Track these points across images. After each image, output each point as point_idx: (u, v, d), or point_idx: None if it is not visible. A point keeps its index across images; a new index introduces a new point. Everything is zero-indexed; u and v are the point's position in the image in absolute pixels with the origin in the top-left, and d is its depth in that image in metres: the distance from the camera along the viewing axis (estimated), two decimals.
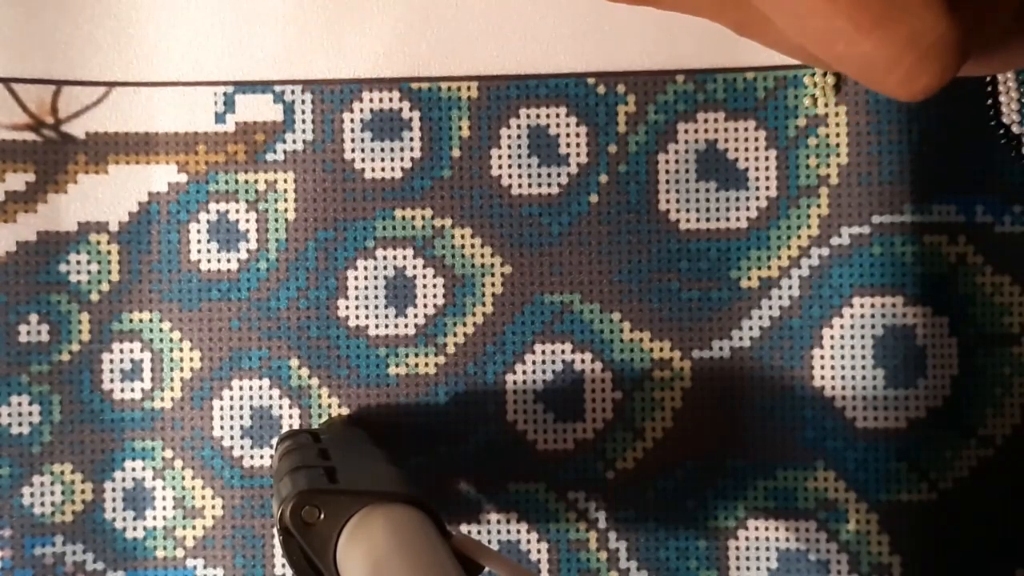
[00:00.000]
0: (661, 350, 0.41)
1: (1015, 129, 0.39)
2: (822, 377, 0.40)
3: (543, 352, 0.41)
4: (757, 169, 0.40)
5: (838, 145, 0.39)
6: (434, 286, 0.41)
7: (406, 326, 0.41)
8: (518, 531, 0.41)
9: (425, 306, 0.41)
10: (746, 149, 0.40)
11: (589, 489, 0.41)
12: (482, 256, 0.41)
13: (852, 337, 0.39)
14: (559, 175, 0.41)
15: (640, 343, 0.40)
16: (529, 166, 0.41)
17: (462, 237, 0.41)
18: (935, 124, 0.39)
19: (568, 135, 0.41)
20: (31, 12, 0.40)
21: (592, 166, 0.40)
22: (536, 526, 0.41)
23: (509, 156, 0.41)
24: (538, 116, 0.41)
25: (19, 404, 0.40)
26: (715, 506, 0.40)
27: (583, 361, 0.41)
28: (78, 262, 0.41)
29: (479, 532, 0.41)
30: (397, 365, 0.41)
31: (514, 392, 0.41)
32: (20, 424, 0.41)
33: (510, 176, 0.41)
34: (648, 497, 0.41)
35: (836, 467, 0.39)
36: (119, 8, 0.40)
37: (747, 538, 0.40)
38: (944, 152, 0.39)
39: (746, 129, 0.40)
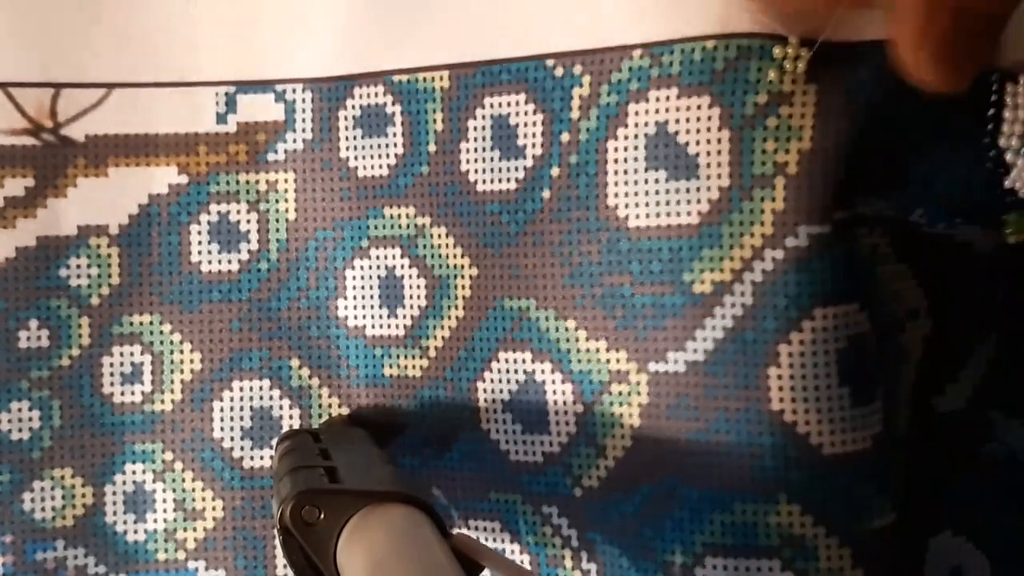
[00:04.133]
0: (618, 361, 0.36)
1: (1008, 157, 0.32)
2: (781, 400, 0.33)
3: (506, 360, 0.38)
4: (708, 154, 0.34)
5: (801, 128, 0.32)
6: (418, 287, 0.40)
7: (397, 327, 0.40)
8: (502, 540, 0.39)
9: (411, 307, 0.40)
10: (698, 131, 0.34)
11: (560, 505, 0.38)
12: (454, 256, 0.39)
13: (814, 354, 0.33)
14: (516, 169, 0.37)
15: (597, 353, 0.36)
16: (491, 159, 0.38)
17: (439, 236, 0.39)
18: (922, 120, 0.33)
19: (526, 124, 0.37)
20: (28, 14, 0.40)
21: (546, 157, 0.37)
22: (517, 537, 0.39)
23: (475, 150, 0.38)
24: (500, 105, 0.37)
25: (19, 410, 0.40)
26: (672, 539, 0.35)
27: (543, 371, 0.37)
28: (78, 266, 0.41)
29: None
30: (390, 366, 0.40)
31: (485, 400, 0.39)
32: (20, 430, 0.40)
33: (476, 171, 0.38)
34: (611, 521, 0.37)
35: (801, 500, 0.33)
36: (118, 9, 0.40)
37: None
38: (916, 152, 0.33)
39: (699, 107, 0.34)
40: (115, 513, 0.41)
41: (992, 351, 0.39)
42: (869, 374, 0.34)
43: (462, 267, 0.39)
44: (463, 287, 0.39)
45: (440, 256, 0.39)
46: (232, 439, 0.41)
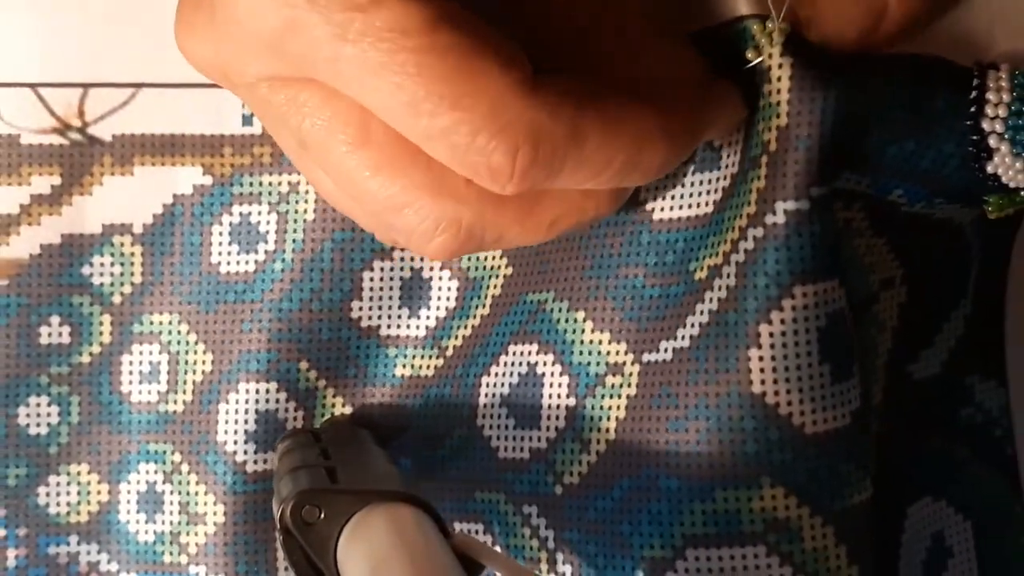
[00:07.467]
0: (617, 353, 0.35)
1: (991, 142, 0.32)
2: (762, 382, 0.32)
3: (515, 353, 0.38)
4: (729, 144, 0.34)
5: (778, 104, 0.32)
6: (448, 288, 0.40)
7: (417, 327, 0.40)
8: (485, 542, 0.38)
9: (437, 308, 0.40)
10: None
11: (540, 504, 0.37)
12: (493, 258, 0.39)
13: (795, 332, 0.32)
14: None
15: (599, 345, 0.36)
16: None
17: None
18: (898, 102, 0.32)
19: None
20: (57, 16, 0.40)
21: None
22: (500, 539, 0.38)
23: None
24: None
25: (38, 405, 0.40)
26: (650, 532, 0.34)
27: (545, 363, 0.37)
28: (101, 264, 0.41)
29: None
30: (404, 366, 0.40)
31: (485, 395, 0.38)
32: (38, 424, 0.40)
33: None
34: (588, 518, 0.35)
35: (784, 481, 0.33)
36: (146, 9, 0.40)
37: (687, 570, 0.34)
38: (892, 134, 0.33)
39: None
40: (128, 512, 0.41)
41: (967, 315, 0.39)
42: (847, 349, 0.33)
43: (499, 268, 0.39)
44: (495, 287, 0.39)
45: (478, 258, 0.39)
46: (236, 443, 0.40)
